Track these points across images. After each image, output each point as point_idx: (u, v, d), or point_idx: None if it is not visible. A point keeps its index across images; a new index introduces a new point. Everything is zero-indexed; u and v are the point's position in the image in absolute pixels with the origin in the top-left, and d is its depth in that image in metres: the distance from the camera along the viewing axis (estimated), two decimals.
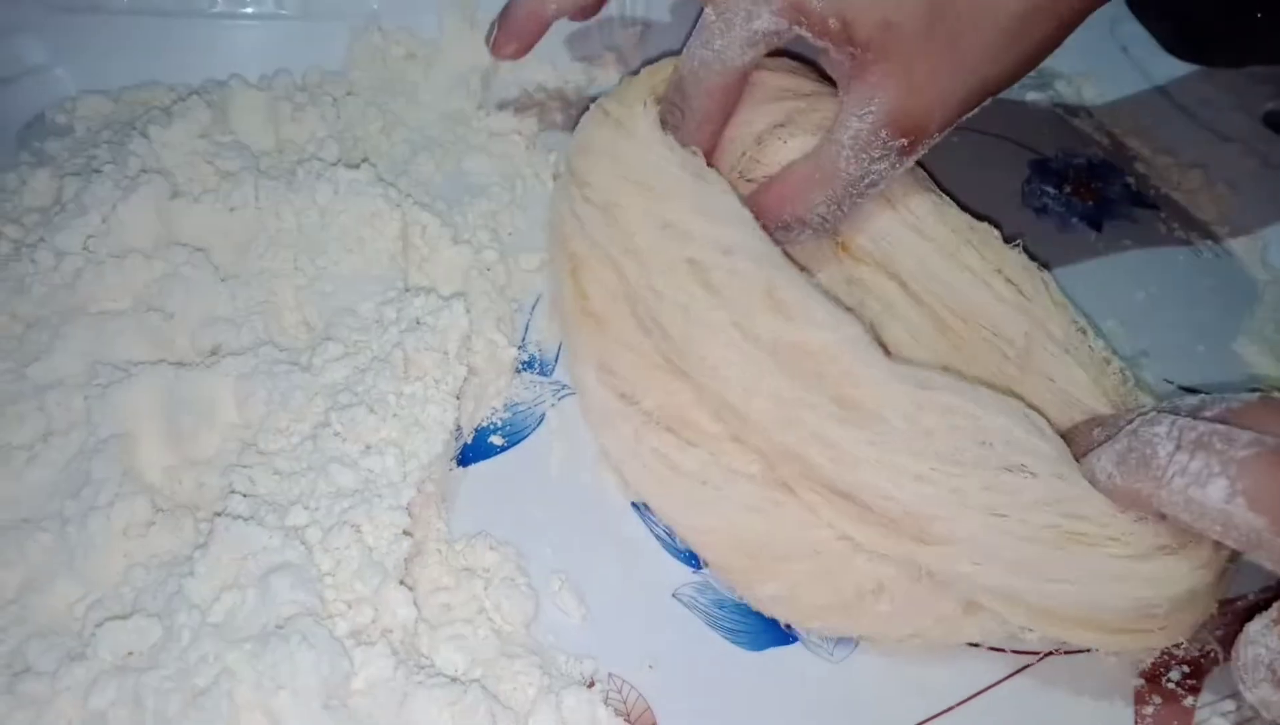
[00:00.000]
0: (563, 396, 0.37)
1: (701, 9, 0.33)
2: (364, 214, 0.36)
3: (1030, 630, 0.30)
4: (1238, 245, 0.50)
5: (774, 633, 0.32)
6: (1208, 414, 0.28)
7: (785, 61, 0.38)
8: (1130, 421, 0.29)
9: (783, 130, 0.35)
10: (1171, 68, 0.56)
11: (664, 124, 0.35)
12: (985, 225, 0.38)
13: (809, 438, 0.30)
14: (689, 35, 0.35)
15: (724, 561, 0.33)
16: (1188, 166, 0.53)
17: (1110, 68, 0.57)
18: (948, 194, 0.39)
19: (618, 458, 0.34)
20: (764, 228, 0.33)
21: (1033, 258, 0.39)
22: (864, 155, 0.32)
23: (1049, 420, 0.31)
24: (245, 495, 0.28)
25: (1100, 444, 0.29)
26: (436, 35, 0.46)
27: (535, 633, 0.30)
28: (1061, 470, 0.29)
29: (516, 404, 0.36)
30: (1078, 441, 0.31)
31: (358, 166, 0.37)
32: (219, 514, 0.28)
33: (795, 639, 0.32)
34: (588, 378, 0.35)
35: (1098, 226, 0.49)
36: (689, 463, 0.33)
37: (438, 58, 0.45)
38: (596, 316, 0.35)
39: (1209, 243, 0.50)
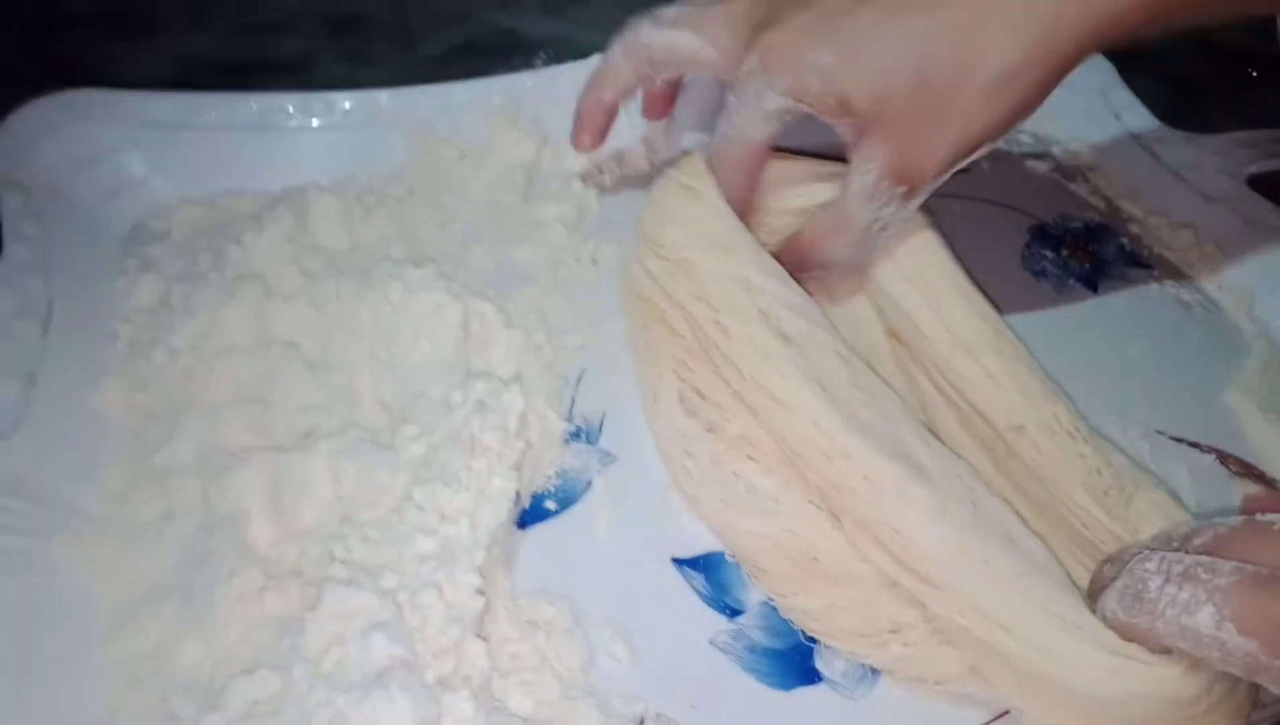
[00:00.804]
0: (608, 463, 0.41)
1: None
2: (429, 307, 0.41)
3: (1021, 711, 0.34)
4: (1226, 300, 0.54)
5: (800, 674, 0.36)
6: (1197, 542, 0.30)
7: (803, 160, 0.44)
8: (1130, 554, 0.32)
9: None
10: (1161, 133, 0.61)
11: None
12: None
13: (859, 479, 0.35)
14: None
15: (773, 568, 0.37)
16: (1178, 227, 0.57)
17: (1104, 134, 0.62)
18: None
19: (696, 479, 0.39)
20: (796, 276, 0.39)
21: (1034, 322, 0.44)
22: (871, 203, 0.37)
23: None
24: (344, 562, 0.33)
25: (1109, 582, 0.32)
26: (484, 136, 0.51)
27: (591, 678, 0.34)
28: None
29: (567, 471, 0.41)
30: (1094, 580, 0.34)
31: (422, 265, 0.42)
32: (324, 579, 0.32)
33: (820, 679, 0.36)
34: (671, 410, 0.40)
35: (1093, 287, 0.53)
36: (764, 484, 0.38)
37: (486, 156, 0.51)
38: (677, 358, 0.41)
39: (1199, 298, 0.54)
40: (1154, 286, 0.54)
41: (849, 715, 0.35)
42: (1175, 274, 0.55)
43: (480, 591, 0.33)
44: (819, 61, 0.35)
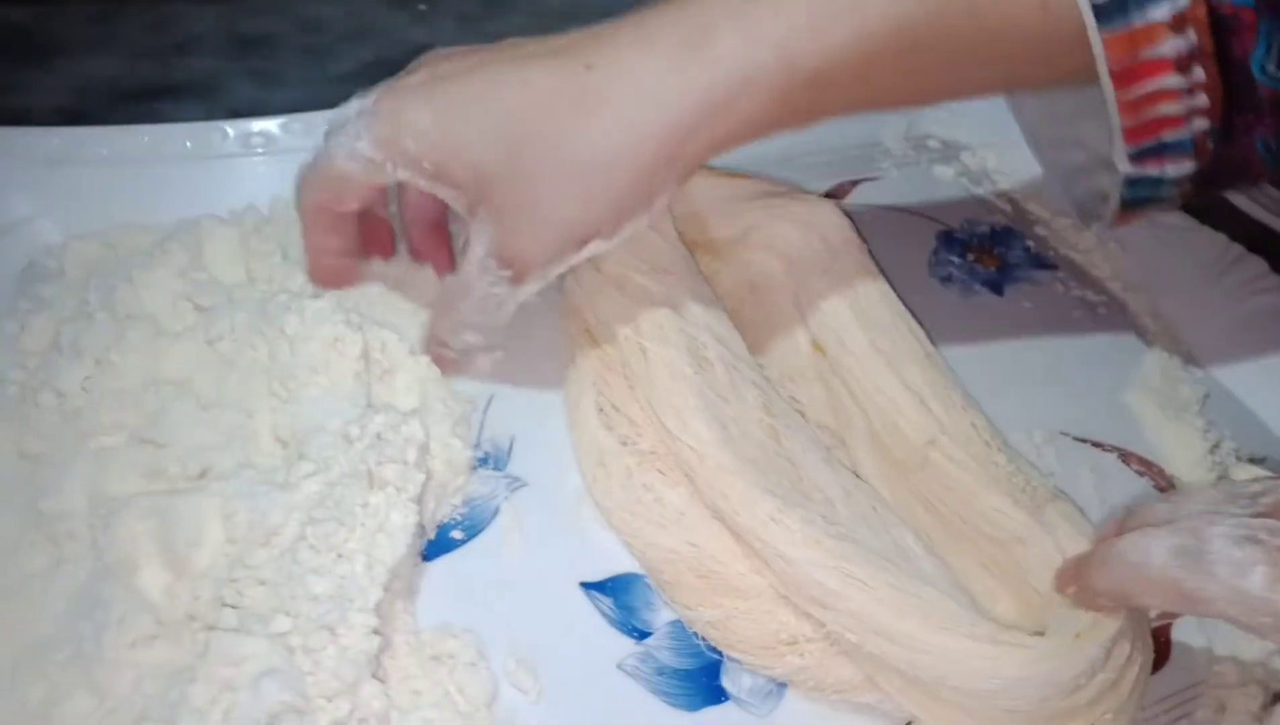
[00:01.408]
0: (517, 488, 0.41)
1: None
2: (328, 339, 0.40)
3: (920, 720, 0.35)
4: (1129, 300, 0.55)
5: (706, 694, 0.36)
6: (1266, 501, 0.30)
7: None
8: (1194, 510, 0.31)
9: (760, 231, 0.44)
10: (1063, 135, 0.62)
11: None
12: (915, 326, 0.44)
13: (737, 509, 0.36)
14: None
15: (677, 579, 0.38)
16: (1082, 228, 0.58)
17: (1010, 138, 0.62)
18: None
19: (607, 490, 0.40)
20: (437, 331, 0.40)
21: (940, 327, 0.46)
22: (484, 276, 0.36)
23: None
24: (234, 607, 0.33)
25: (1157, 525, 0.32)
26: None
27: (496, 711, 0.34)
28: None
29: (474, 499, 0.41)
30: (1139, 513, 0.34)
31: (320, 295, 0.42)
32: (212, 628, 0.32)
33: (727, 698, 0.37)
34: (589, 421, 0.41)
35: (999, 291, 0.54)
36: (671, 498, 0.39)
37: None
38: (597, 372, 0.42)
39: (1103, 299, 0.55)
40: (1059, 288, 0.55)
41: None
42: (1080, 275, 0.56)
43: (376, 631, 0.33)
44: (417, 122, 0.34)
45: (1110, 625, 0.33)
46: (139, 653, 0.32)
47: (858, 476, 0.40)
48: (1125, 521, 0.34)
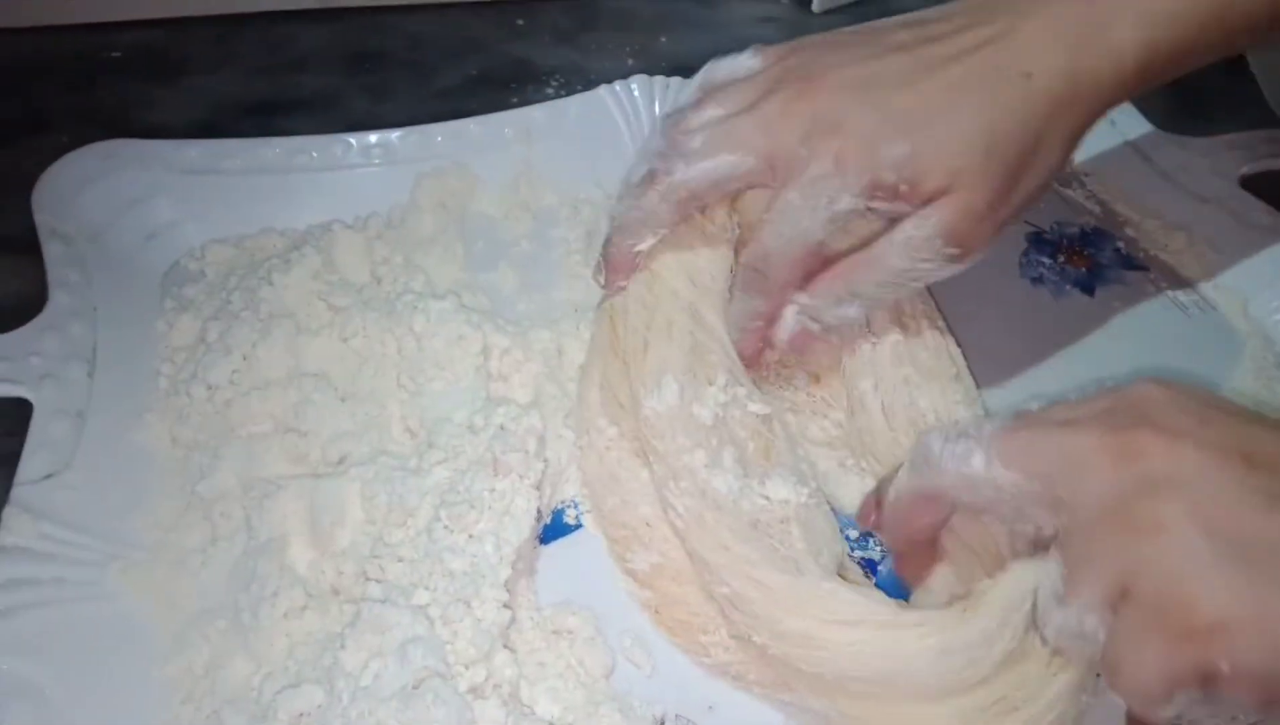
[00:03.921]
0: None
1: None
2: (452, 337, 0.43)
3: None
4: (1221, 300, 0.55)
5: None
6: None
7: None
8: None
9: None
10: (1154, 137, 0.62)
11: (747, 285, 0.39)
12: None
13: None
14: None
15: (630, 558, 0.40)
16: (1173, 228, 0.58)
17: (1098, 139, 0.63)
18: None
19: (587, 459, 0.42)
20: (817, 300, 0.39)
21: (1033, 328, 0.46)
22: (913, 255, 0.36)
23: None
24: (378, 581, 0.35)
25: (893, 471, 0.35)
26: (496, 169, 0.54)
27: (613, 683, 0.37)
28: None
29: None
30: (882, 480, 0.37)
31: (443, 297, 0.45)
32: (361, 599, 0.35)
33: None
34: (590, 395, 0.42)
35: (1090, 291, 0.55)
36: (642, 478, 0.40)
37: (498, 189, 0.53)
38: (604, 355, 0.43)
39: (1195, 299, 0.55)
40: (1150, 289, 0.55)
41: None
42: (1171, 276, 0.56)
43: (506, 605, 0.35)
44: (894, 156, 0.35)
45: (997, 595, 0.33)
46: (291, 622, 0.35)
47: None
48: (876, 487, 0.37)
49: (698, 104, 0.39)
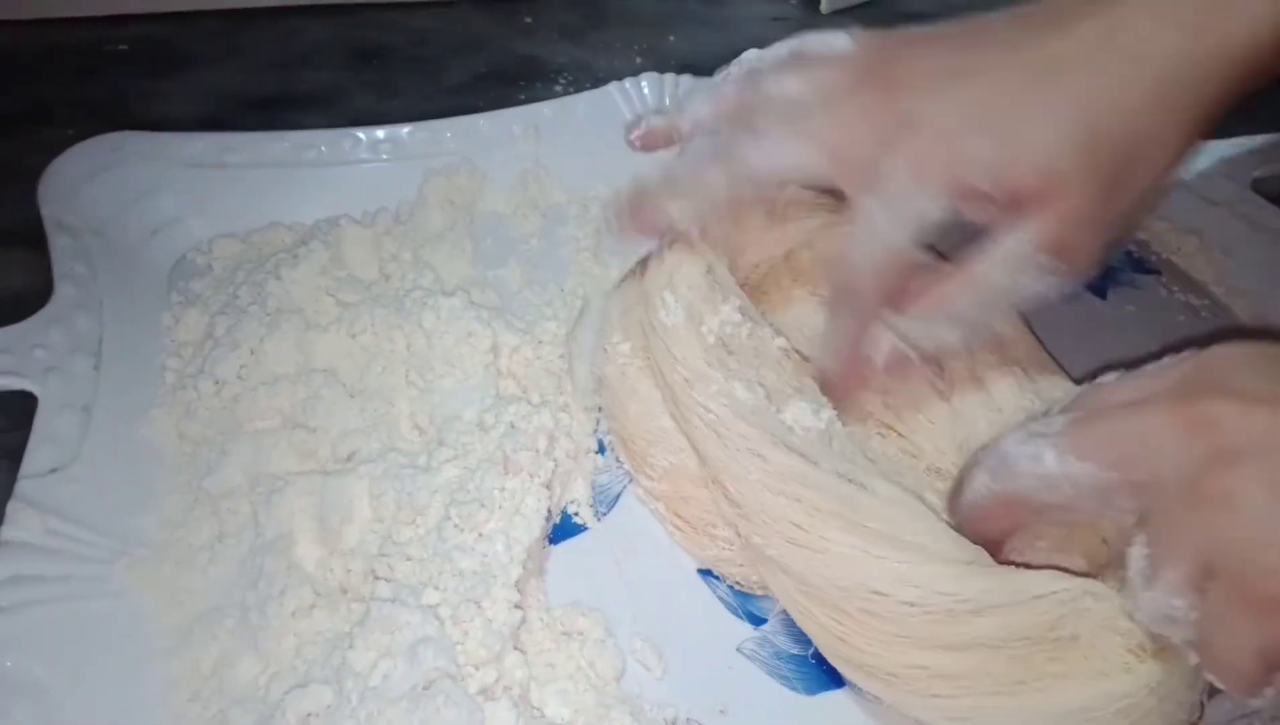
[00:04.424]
0: (633, 479, 0.43)
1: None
2: (461, 334, 0.43)
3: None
4: (1234, 303, 0.55)
5: (824, 680, 0.38)
6: (1054, 411, 0.33)
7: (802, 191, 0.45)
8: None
9: (806, 248, 0.42)
10: None
11: (836, 304, 0.37)
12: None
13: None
14: None
15: (634, 440, 0.41)
16: (1184, 232, 0.58)
17: None
18: None
19: (605, 370, 0.43)
20: (917, 330, 0.36)
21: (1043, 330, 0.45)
22: (1015, 271, 0.33)
23: None
24: (388, 580, 0.35)
25: (970, 470, 0.34)
26: (504, 165, 0.53)
27: (624, 685, 0.36)
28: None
29: (595, 487, 0.43)
30: (958, 479, 0.36)
31: (452, 293, 0.44)
32: (370, 598, 0.34)
33: (843, 684, 0.38)
34: (613, 315, 0.43)
35: (1102, 294, 0.55)
36: (646, 387, 0.41)
37: (506, 185, 0.53)
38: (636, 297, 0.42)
39: (1207, 303, 0.55)
40: (1162, 292, 0.55)
41: (870, 719, 0.37)
42: (1182, 279, 0.56)
43: (517, 605, 0.35)
44: (980, 157, 0.32)
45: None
46: (299, 621, 0.35)
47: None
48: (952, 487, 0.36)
49: (781, 69, 0.36)
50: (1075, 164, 0.32)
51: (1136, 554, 0.29)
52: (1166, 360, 0.31)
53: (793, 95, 0.36)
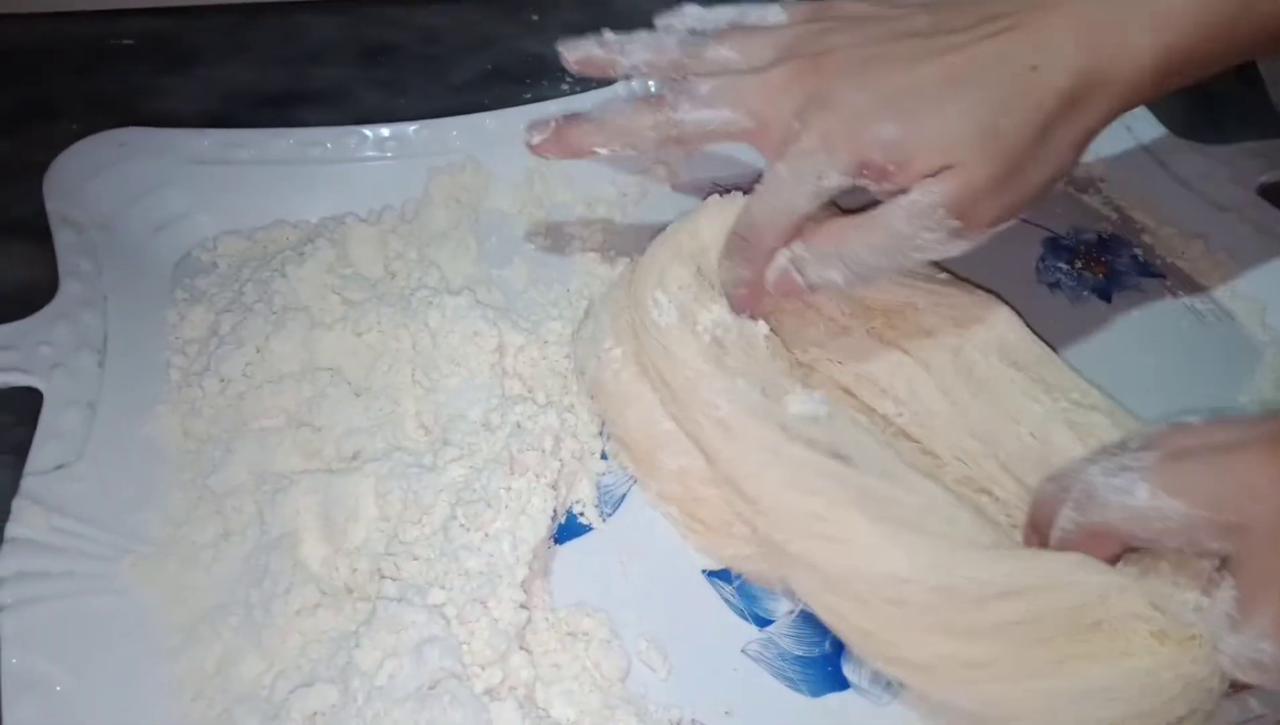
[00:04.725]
0: (644, 483, 0.43)
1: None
2: (467, 333, 0.42)
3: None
4: (1239, 309, 0.55)
5: (830, 681, 0.38)
6: (1134, 446, 0.33)
7: None
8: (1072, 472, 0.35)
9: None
10: (1171, 143, 0.62)
11: (728, 250, 0.40)
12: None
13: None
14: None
15: (637, 445, 0.41)
16: (1190, 236, 0.58)
17: (1115, 145, 0.63)
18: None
19: (599, 377, 0.42)
20: (809, 260, 0.38)
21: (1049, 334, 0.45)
22: (914, 221, 0.36)
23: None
24: (393, 579, 0.35)
25: (1053, 497, 0.35)
26: (511, 164, 0.53)
27: (629, 686, 0.36)
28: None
29: (601, 487, 0.43)
30: (1036, 502, 0.36)
31: (458, 292, 0.44)
32: (377, 597, 0.34)
33: (849, 686, 0.38)
34: (603, 320, 0.43)
35: (1108, 298, 0.55)
36: (644, 389, 0.41)
37: (513, 184, 0.53)
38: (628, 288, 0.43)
39: (1212, 307, 0.55)
40: (1167, 297, 0.55)
41: (876, 720, 0.37)
42: (1188, 284, 0.56)
43: (523, 606, 0.35)
44: (884, 136, 0.35)
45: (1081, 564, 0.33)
46: (304, 620, 0.35)
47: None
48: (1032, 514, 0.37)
49: (719, 37, 0.40)
50: (972, 152, 0.35)
51: (1224, 597, 0.30)
52: (1253, 413, 0.33)
53: (726, 60, 0.39)
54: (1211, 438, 0.32)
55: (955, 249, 0.37)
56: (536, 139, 0.42)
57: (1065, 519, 0.34)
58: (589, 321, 0.46)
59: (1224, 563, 0.31)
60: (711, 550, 0.40)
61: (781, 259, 0.39)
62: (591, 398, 0.43)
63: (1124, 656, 0.32)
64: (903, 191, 0.36)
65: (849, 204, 0.39)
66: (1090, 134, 0.37)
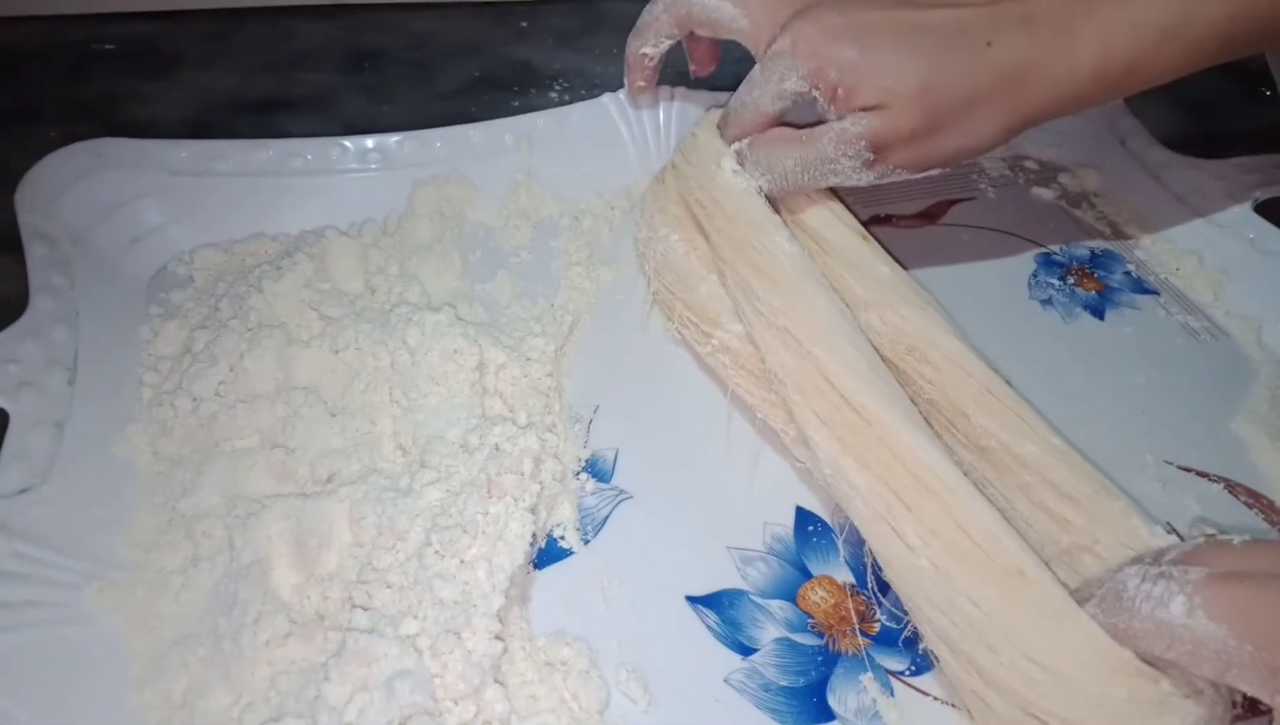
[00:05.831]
0: (622, 501, 0.42)
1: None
2: (447, 351, 0.42)
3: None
4: (1233, 326, 0.54)
5: (814, 712, 0.37)
6: (1169, 557, 0.31)
7: None
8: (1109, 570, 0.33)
9: None
10: (1166, 158, 0.61)
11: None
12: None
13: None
14: None
15: (700, 315, 0.44)
16: (1184, 252, 0.57)
17: (1110, 160, 0.62)
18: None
19: (665, 258, 0.46)
20: (744, 150, 0.44)
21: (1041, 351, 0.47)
22: (840, 146, 0.41)
23: None
24: (365, 609, 0.34)
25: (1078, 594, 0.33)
26: (496, 177, 0.52)
27: (608, 718, 0.35)
28: None
29: (581, 511, 0.42)
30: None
31: (438, 309, 0.43)
32: (347, 628, 0.33)
33: (833, 717, 0.37)
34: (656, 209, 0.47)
35: (1101, 315, 0.54)
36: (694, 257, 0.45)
37: (498, 197, 0.52)
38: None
39: (1207, 325, 0.54)
40: (1161, 313, 0.54)
41: None
42: (1182, 300, 0.55)
43: (499, 637, 0.34)
44: (843, 56, 0.39)
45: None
46: (274, 650, 0.34)
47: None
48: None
49: None
50: (906, 100, 0.39)
51: None
52: None
53: None
54: (1261, 561, 0.29)
55: (862, 180, 0.42)
56: (631, 88, 0.52)
57: (1091, 613, 0.32)
58: (573, 338, 0.46)
59: (1250, 708, 0.29)
60: (763, 407, 0.42)
61: (735, 146, 0.44)
62: (651, 273, 0.47)
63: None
64: (839, 119, 0.40)
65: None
66: (1021, 121, 0.41)
